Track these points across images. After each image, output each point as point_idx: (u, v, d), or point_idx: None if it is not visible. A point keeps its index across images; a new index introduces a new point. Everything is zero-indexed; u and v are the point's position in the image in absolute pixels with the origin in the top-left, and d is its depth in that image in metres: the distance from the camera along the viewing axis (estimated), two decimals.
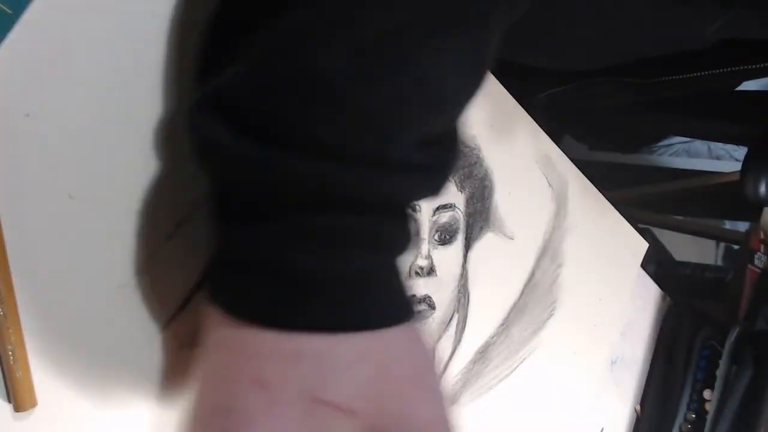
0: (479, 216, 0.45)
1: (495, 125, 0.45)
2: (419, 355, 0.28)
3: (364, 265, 0.26)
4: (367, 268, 0.27)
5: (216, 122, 0.25)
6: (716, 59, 0.56)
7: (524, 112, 0.47)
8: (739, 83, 0.66)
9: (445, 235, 0.43)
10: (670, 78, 0.59)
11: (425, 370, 0.29)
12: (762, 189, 0.69)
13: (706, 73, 0.57)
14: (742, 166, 0.72)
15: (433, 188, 0.28)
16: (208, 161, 0.26)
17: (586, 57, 0.62)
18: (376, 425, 0.26)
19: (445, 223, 0.43)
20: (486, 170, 0.45)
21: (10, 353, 0.27)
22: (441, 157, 0.28)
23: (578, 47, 0.60)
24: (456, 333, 0.44)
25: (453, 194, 0.43)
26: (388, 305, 0.28)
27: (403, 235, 0.29)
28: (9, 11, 0.26)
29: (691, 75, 0.58)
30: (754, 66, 0.54)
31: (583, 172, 0.52)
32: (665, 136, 1.07)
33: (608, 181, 0.55)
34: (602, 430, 0.56)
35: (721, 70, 0.56)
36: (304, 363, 0.25)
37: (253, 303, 0.26)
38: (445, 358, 0.43)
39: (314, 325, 0.25)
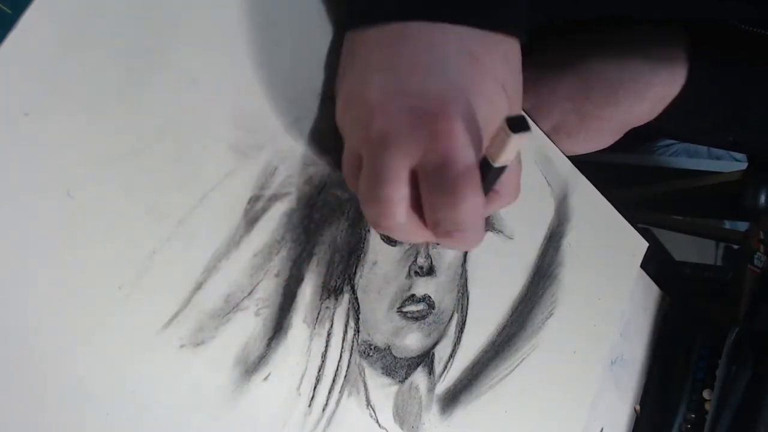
0: None
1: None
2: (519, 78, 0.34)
3: None
4: None
5: None
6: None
7: (524, 112, 0.47)
8: None
9: None
10: None
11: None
12: (761, 201, 0.70)
13: None
14: (743, 177, 0.73)
15: None
16: None
17: None
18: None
19: None
20: None
21: None
22: None
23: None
24: (456, 333, 0.44)
25: None
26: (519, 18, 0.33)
27: None
28: (9, 11, 0.26)
29: None
30: None
31: (583, 172, 0.52)
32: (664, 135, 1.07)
33: (608, 181, 0.55)
34: (602, 430, 0.56)
35: None
36: (498, 54, 0.31)
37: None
38: (445, 358, 0.43)
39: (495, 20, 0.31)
